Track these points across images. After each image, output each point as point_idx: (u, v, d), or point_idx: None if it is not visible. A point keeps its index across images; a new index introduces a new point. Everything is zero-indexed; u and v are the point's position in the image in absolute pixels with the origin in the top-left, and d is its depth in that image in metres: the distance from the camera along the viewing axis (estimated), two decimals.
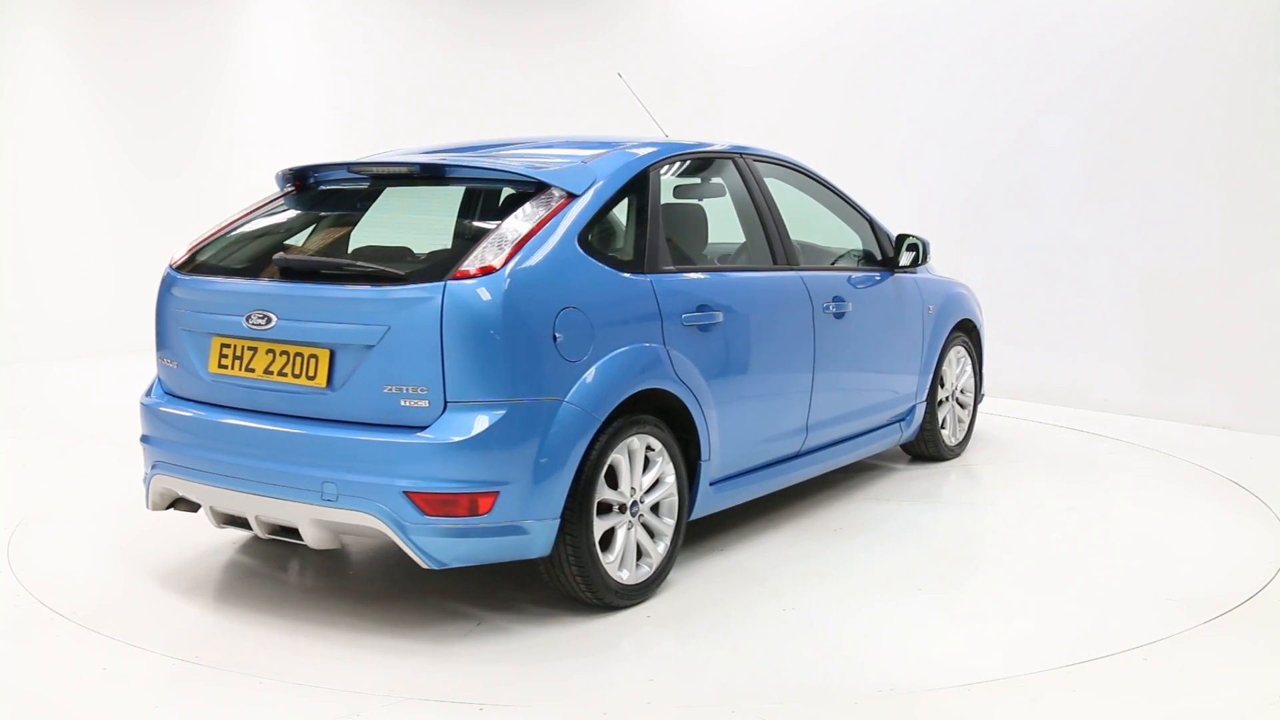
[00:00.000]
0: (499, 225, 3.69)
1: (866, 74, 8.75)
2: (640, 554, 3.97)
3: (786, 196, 5.14)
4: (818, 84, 9.06)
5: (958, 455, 6.10)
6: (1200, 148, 7.03)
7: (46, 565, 4.42)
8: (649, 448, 3.95)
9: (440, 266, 3.57)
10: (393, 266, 3.67)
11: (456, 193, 4.49)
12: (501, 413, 3.47)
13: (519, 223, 3.70)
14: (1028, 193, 7.90)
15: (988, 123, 8.05)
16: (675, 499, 4.06)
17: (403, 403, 3.51)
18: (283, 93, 10.91)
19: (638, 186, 4.15)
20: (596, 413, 3.66)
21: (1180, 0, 7.07)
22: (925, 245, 5.45)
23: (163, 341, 4.11)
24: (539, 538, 3.59)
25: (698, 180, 4.75)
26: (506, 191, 4.06)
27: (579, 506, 3.66)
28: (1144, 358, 7.36)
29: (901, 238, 5.46)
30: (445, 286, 3.48)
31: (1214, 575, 4.34)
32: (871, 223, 5.45)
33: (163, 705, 3.22)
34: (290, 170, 4.32)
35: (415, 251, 3.97)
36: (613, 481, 3.82)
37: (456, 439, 3.43)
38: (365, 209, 4.22)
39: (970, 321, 6.10)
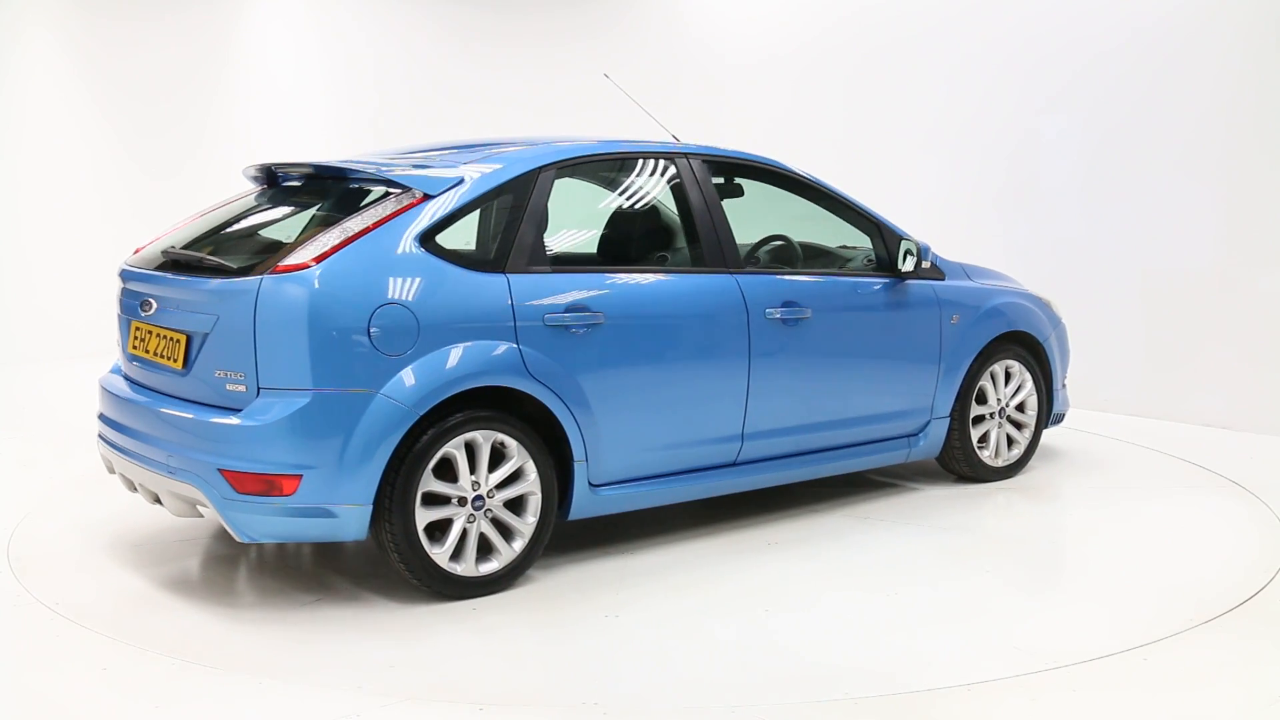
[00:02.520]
0: (336, 223, 3.92)
1: (867, 74, 8.75)
2: (491, 549, 4.04)
3: (783, 201, 5.11)
4: (819, 84, 9.06)
5: (1008, 477, 5.65)
6: (1200, 148, 7.02)
7: (46, 565, 4.42)
8: (501, 444, 4.01)
9: (266, 262, 3.82)
10: (231, 261, 3.96)
11: (347, 193, 4.48)
12: (306, 401, 3.69)
13: (353, 221, 3.92)
14: (1028, 192, 7.89)
15: (988, 123, 8.05)
16: (539, 498, 4.10)
17: (227, 387, 3.81)
18: (283, 93, 10.90)
19: (516, 188, 4.21)
20: (416, 406, 3.79)
21: (1180, 0, 7.07)
22: (920, 250, 5.15)
23: (118, 327, 4.49)
24: (350, 522, 3.77)
25: (627, 180, 4.78)
26: (378, 191, 4.15)
27: (399, 495, 3.80)
28: (1144, 358, 7.36)
29: (899, 242, 5.22)
30: (261, 281, 3.75)
31: (1214, 575, 4.34)
32: (879, 226, 5.19)
33: (163, 705, 3.22)
34: (249, 169, 4.62)
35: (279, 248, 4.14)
36: (452, 475, 3.93)
37: (263, 422, 3.69)
38: (296, 207, 4.42)
39: (1028, 335, 5.65)
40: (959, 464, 5.53)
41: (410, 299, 3.84)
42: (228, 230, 4.34)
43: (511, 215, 4.20)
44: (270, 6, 10.89)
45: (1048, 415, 5.82)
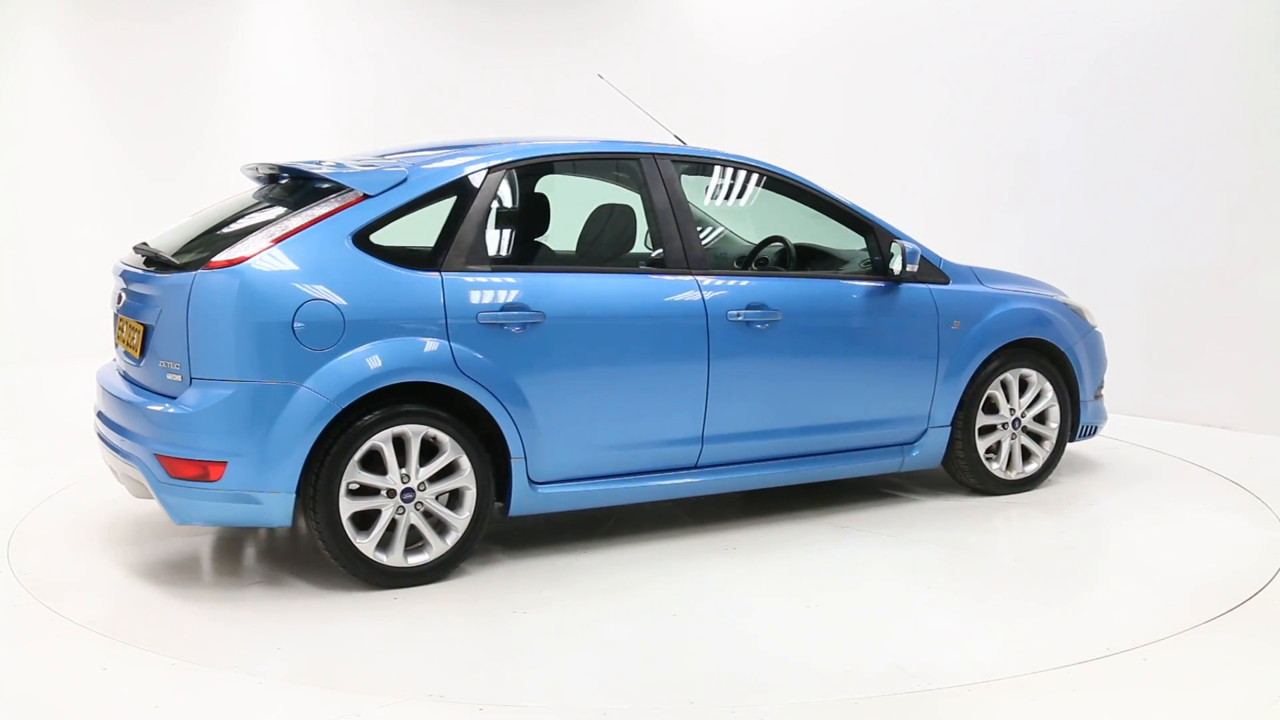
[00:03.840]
0: (277, 221, 4.09)
1: (869, 74, 8.75)
2: (422, 540, 4.14)
3: (781, 202, 5.09)
4: (820, 84, 9.06)
5: (1022, 490, 5.42)
6: (1201, 148, 7.03)
7: (46, 565, 4.42)
8: (434, 439, 4.09)
9: (204, 258, 3.99)
10: (181, 257, 4.12)
11: (307, 192, 4.54)
12: (230, 391, 3.86)
13: (292, 219, 4.09)
14: (1028, 193, 7.90)
15: (988, 123, 8.05)
16: (474, 493, 4.17)
17: (168, 376, 4.01)
18: (283, 93, 10.90)
19: (460, 189, 4.30)
20: (337, 400, 3.91)
21: (1180, 1, 7.07)
22: (907, 253, 4.95)
23: (112, 319, 4.63)
24: (274, 509, 3.92)
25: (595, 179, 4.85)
26: (327, 190, 4.26)
27: (324, 485, 3.93)
28: (1144, 358, 7.36)
29: (891, 245, 5.07)
30: (195, 276, 3.93)
31: (1214, 575, 4.34)
32: (872, 227, 5.07)
33: (163, 705, 3.22)
34: (247, 167, 4.73)
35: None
36: (380, 467, 4.03)
37: (191, 411, 3.89)
38: (270, 205, 4.47)
39: (1048, 343, 5.42)
40: (965, 475, 5.32)
41: (336, 295, 3.96)
42: (210, 228, 4.41)
43: (454, 215, 4.27)
44: (270, 6, 10.89)
45: (1074, 428, 5.57)
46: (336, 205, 4.11)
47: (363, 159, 4.58)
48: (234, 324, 3.86)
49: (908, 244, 4.99)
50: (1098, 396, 5.70)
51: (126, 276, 4.32)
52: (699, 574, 4.33)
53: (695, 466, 4.67)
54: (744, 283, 4.73)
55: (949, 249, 5.72)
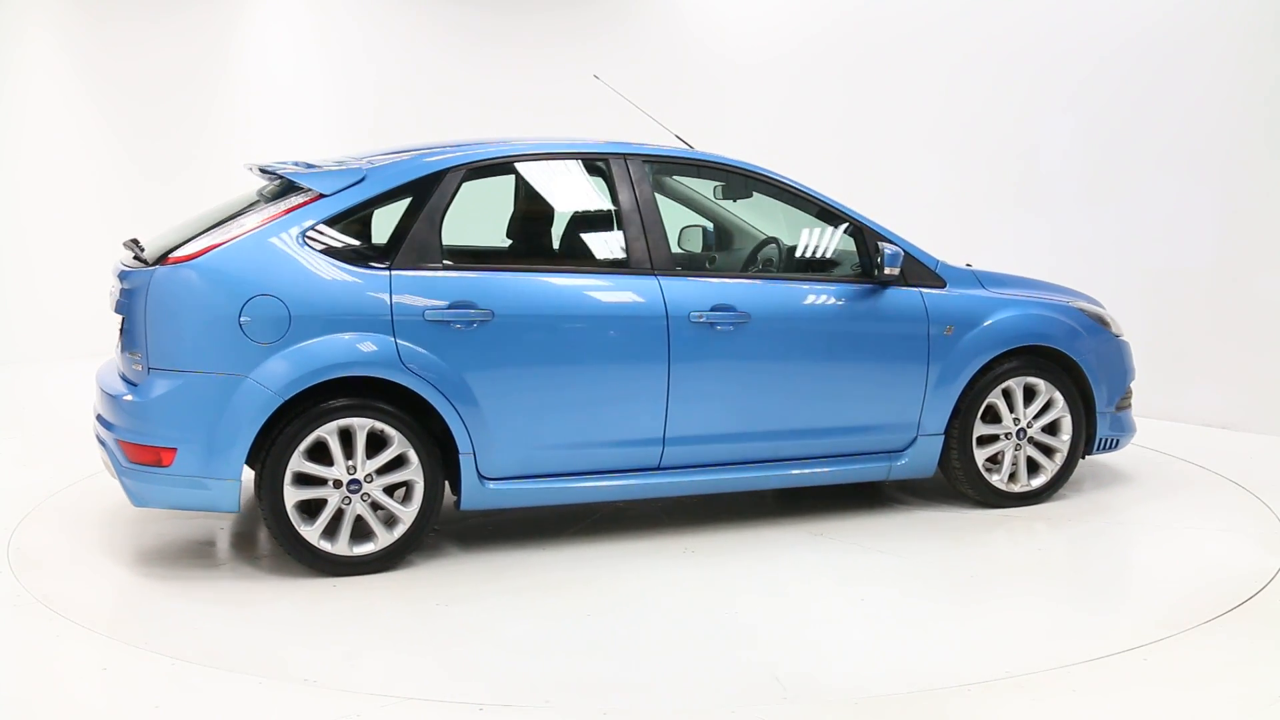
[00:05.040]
0: (237, 219, 4.28)
1: (869, 74, 8.75)
2: (369, 531, 4.27)
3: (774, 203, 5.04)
4: (820, 84, 9.05)
5: (1027, 504, 5.17)
6: (1200, 148, 7.02)
7: (46, 565, 4.42)
8: (382, 432, 4.20)
9: (166, 254, 4.17)
10: (152, 254, 4.25)
11: (281, 192, 4.63)
12: (180, 381, 4.05)
13: (250, 217, 4.27)
14: (1028, 193, 7.89)
15: (988, 123, 8.05)
16: (421, 486, 4.27)
17: (134, 366, 4.20)
18: (283, 93, 10.90)
19: (417, 189, 4.39)
20: (281, 392, 4.06)
21: (1180, 1, 7.07)
22: (886, 256, 4.79)
23: None
24: (223, 495, 4.10)
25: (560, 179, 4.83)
26: (295, 188, 4.42)
27: (269, 474, 4.12)
28: (1144, 358, 7.34)
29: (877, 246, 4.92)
30: (153, 271, 4.13)
31: (1214, 575, 4.34)
32: (860, 229, 4.92)
33: (163, 705, 3.22)
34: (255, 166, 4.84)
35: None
36: (327, 458, 4.18)
37: (145, 399, 4.09)
38: (257, 203, 4.59)
39: (1057, 350, 5.16)
40: (964, 486, 5.13)
41: (283, 291, 4.10)
42: (194, 226, 4.50)
43: (408, 214, 4.37)
44: (270, 7, 10.89)
45: (1090, 440, 5.32)
46: (293, 204, 4.27)
47: (343, 159, 4.65)
48: (184, 317, 4.08)
49: (888, 246, 4.84)
50: (1121, 408, 5.42)
51: (116, 273, 4.47)
52: (644, 574, 4.33)
53: (659, 468, 4.65)
54: (711, 284, 4.67)
55: (949, 250, 5.69)
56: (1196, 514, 5.19)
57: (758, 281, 4.81)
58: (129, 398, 4.14)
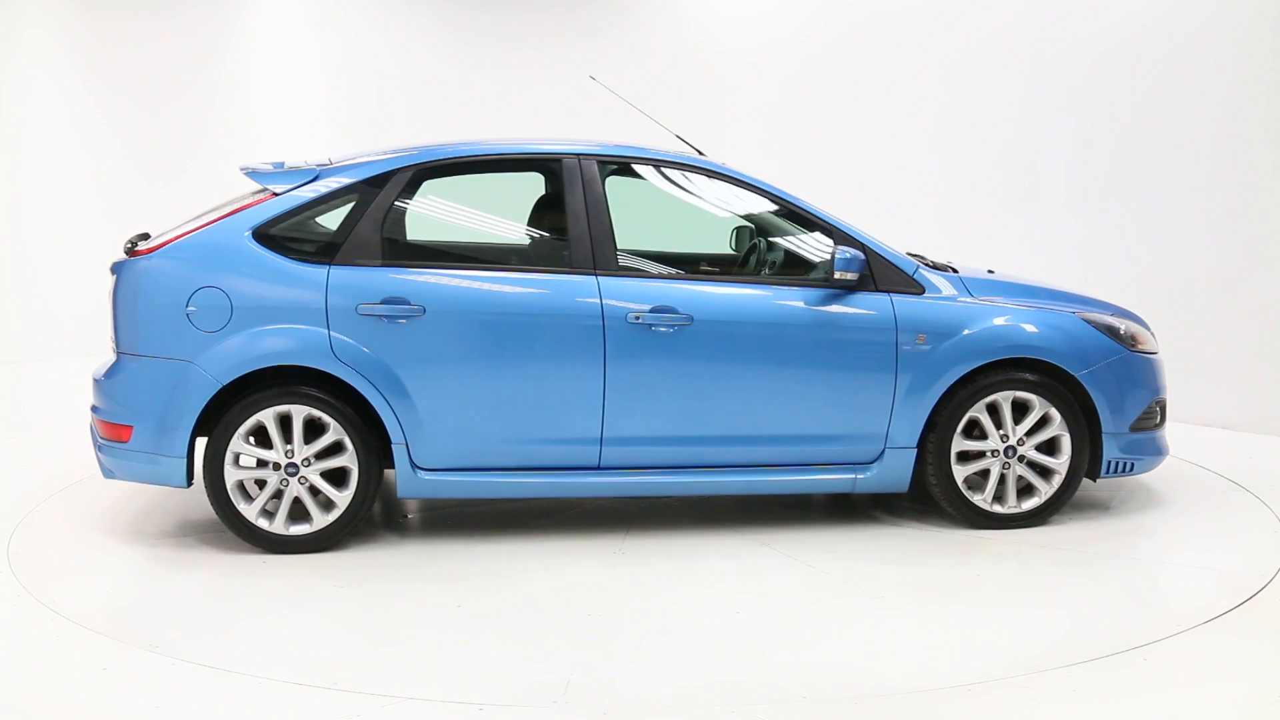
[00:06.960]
0: (205, 215, 4.61)
1: (869, 74, 8.75)
2: (306, 513, 4.51)
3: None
4: (820, 84, 9.06)
5: (1017, 527, 4.85)
6: (1200, 148, 7.03)
7: (46, 565, 4.42)
8: (318, 419, 4.46)
9: (134, 246, 4.54)
10: (128, 249, 4.56)
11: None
12: (138, 365, 4.43)
13: (210, 212, 4.63)
14: (1028, 193, 7.89)
15: (987, 123, 8.05)
16: (356, 472, 4.49)
17: (111, 350, 4.55)
18: (282, 94, 10.90)
19: (365, 188, 4.60)
20: (220, 377, 4.37)
21: (1180, 1, 7.07)
22: (837, 259, 4.62)
23: None
24: (172, 471, 4.43)
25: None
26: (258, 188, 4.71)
27: (211, 453, 4.44)
28: None
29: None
30: (122, 263, 4.50)
31: (1214, 575, 4.34)
32: (832, 232, 4.77)
33: (163, 705, 3.22)
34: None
35: None
36: (267, 441, 4.48)
37: (109, 380, 4.50)
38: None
39: (1052, 365, 4.82)
40: (943, 504, 4.87)
41: (227, 284, 4.41)
42: (185, 223, 4.72)
43: (353, 212, 4.57)
44: (270, 7, 10.89)
45: (1095, 462, 4.93)
46: (246, 202, 4.58)
47: (326, 160, 4.82)
48: (141, 306, 4.44)
49: (844, 250, 4.64)
50: (1144, 428, 5.00)
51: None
52: (555, 573, 4.33)
53: (598, 467, 4.67)
54: (653, 286, 4.64)
55: (948, 250, 5.67)
56: (1197, 514, 5.19)
57: (705, 284, 4.75)
58: (100, 377, 4.54)
